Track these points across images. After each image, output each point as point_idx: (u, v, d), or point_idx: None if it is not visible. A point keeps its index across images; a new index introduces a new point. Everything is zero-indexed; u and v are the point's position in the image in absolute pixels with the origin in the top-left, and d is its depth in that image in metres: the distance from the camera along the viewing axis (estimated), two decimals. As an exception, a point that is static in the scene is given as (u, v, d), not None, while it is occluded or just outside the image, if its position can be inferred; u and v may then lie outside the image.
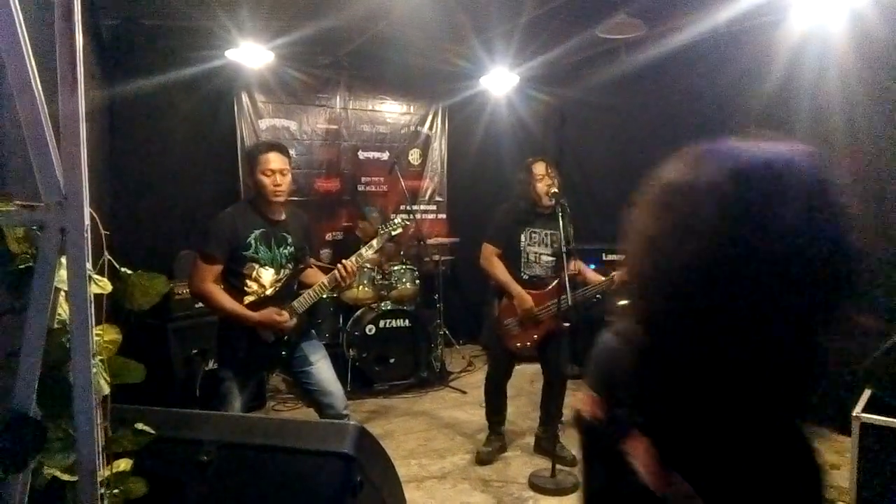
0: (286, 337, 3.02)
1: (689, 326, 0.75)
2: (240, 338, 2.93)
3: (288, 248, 3.04)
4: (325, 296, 5.15)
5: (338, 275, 3.04)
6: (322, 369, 3.08)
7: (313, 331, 3.26)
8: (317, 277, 3.17)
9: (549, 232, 3.74)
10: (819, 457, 0.79)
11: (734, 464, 0.75)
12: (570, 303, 3.49)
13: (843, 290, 0.72)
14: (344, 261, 3.08)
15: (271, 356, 3.03)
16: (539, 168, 3.72)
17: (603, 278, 3.72)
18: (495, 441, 3.95)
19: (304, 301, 3.06)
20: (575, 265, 3.74)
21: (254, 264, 2.94)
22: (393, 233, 3.38)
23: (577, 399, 1.00)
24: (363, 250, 3.19)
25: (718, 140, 0.79)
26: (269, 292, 2.98)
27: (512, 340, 3.73)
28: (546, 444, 3.83)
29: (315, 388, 3.06)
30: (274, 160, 2.95)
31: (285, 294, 3.04)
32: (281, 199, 3.00)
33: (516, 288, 3.67)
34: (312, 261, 3.37)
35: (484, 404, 4.03)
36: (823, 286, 0.71)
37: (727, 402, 0.75)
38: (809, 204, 0.70)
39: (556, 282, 3.59)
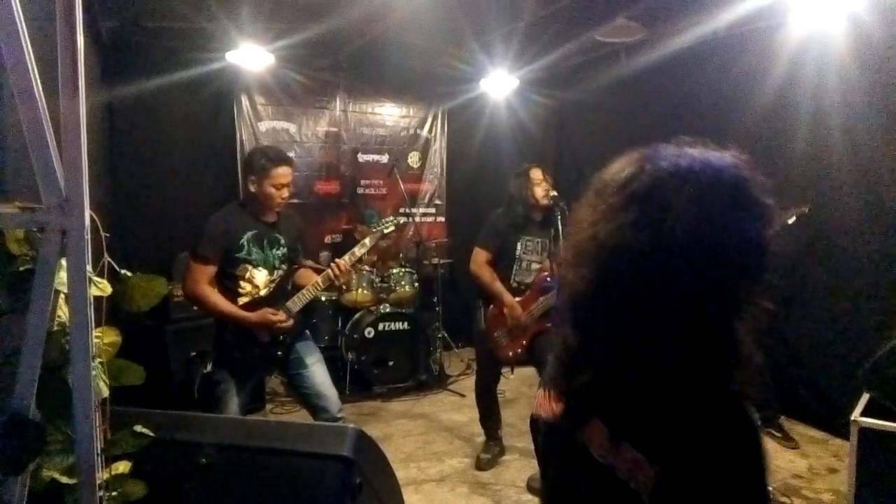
0: (281, 337, 3.02)
1: (616, 304, 0.83)
2: (235, 339, 2.94)
3: (280, 249, 3.06)
4: (322, 298, 5.20)
5: (331, 274, 3.05)
6: (317, 373, 3.09)
7: (308, 331, 3.26)
8: (310, 278, 3.18)
9: (540, 240, 3.75)
10: (752, 417, 0.85)
11: (677, 430, 0.81)
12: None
13: (755, 275, 0.82)
14: (337, 259, 3.09)
15: (267, 356, 3.03)
16: (536, 173, 3.72)
17: None
18: (494, 447, 3.94)
19: (298, 301, 3.06)
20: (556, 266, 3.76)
21: (247, 266, 2.95)
22: (385, 231, 3.40)
23: (537, 401, 1.03)
24: (356, 249, 3.22)
25: (657, 144, 0.90)
26: (262, 293, 2.99)
27: (504, 351, 3.71)
28: None
29: (310, 391, 3.06)
30: (286, 175, 3.00)
31: (279, 294, 3.05)
32: (280, 210, 3.06)
33: (508, 298, 3.63)
34: (311, 263, 3.37)
35: (478, 413, 4.03)
36: (738, 270, 0.80)
37: (662, 376, 0.81)
38: (733, 199, 0.81)
39: (535, 282, 3.66)
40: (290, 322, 3.00)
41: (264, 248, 3.00)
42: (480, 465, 3.83)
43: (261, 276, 2.99)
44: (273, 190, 2.96)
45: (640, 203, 0.82)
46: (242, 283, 2.95)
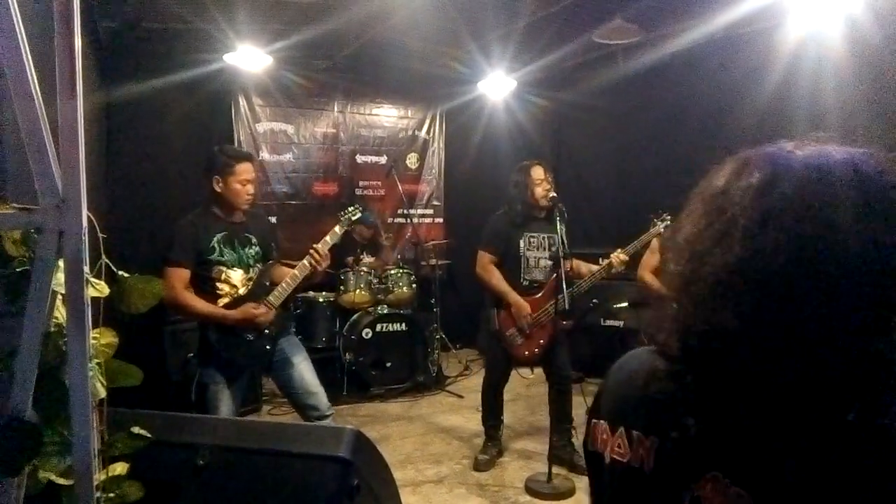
0: (266, 330, 3.03)
1: (747, 333, 0.68)
2: (220, 339, 2.94)
3: (253, 247, 3.07)
4: (320, 299, 5.19)
5: (310, 261, 3.06)
6: (304, 371, 3.10)
7: (292, 327, 3.26)
8: (285, 272, 3.20)
9: (546, 235, 3.72)
10: None
11: (826, 475, 0.67)
12: (566, 305, 3.48)
13: None
14: (315, 245, 3.10)
15: (255, 352, 3.03)
16: (538, 172, 3.71)
17: (596, 267, 3.73)
18: (492, 448, 3.93)
19: (279, 293, 3.07)
20: (570, 264, 3.75)
21: (221, 267, 2.95)
22: (353, 218, 3.43)
23: (595, 434, 0.88)
24: (328, 237, 3.21)
25: (764, 145, 0.76)
26: (241, 292, 3.00)
27: (519, 350, 3.70)
28: (562, 452, 3.71)
29: (298, 390, 3.07)
30: (249, 171, 3.01)
31: (258, 291, 3.06)
32: (248, 206, 3.06)
33: (514, 296, 3.64)
34: (306, 263, 3.36)
35: (480, 409, 4.02)
36: (882, 290, 0.65)
37: (805, 414, 0.68)
38: (868, 207, 0.66)
39: (549, 285, 3.63)
40: (272, 314, 3.02)
41: (236, 248, 3.01)
42: (478, 466, 3.82)
43: (236, 275, 3.00)
44: (238, 186, 2.97)
45: (786, 220, 0.67)
46: (220, 285, 2.96)
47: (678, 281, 0.75)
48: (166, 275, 2.86)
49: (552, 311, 3.57)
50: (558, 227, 3.54)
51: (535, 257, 3.74)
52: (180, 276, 2.87)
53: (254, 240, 3.08)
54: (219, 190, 3.00)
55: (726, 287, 0.69)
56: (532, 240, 3.73)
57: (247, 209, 3.08)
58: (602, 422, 0.87)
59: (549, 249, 3.73)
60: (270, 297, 3.05)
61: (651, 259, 4.27)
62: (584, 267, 3.81)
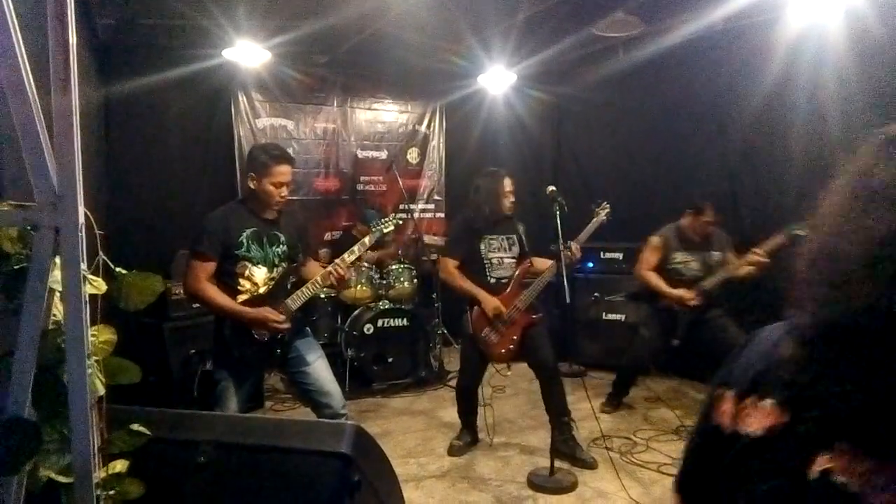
0: (280, 335, 3.02)
1: None
2: (233, 336, 2.94)
3: (280, 246, 3.05)
4: (321, 295, 5.20)
5: (332, 274, 3.07)
6: (319, 369, 3.09)
7: (308, 329, 3.26)
8: (317, 270, 3.20)
9: (505, 236, 3.82)
10: None
11: None
12: (568, 297, 3.48)
13: None
14: (336, 260, 3.11)
15: (266, 354, 3.03)
16: (508, 183, 3.80)
17: (549, 262, 3.78)
18: (467, 435, 4.01)
19: (297, 298, 3.07)
20: (530, 262, 3.86)
21: (246, 263, 2.94)
22: (385, 230, 3.43)
23: (723, 408, 0.85)
24: (356, 248, 3.23)
25: None
26: (262, 290, 2.99)
27: (495, 349, 3.72)
28: (564, 446, 3.71)
29: (313, 388, 3.06)
30: (287, 173, 2.99)
31: (279, 292, 3.05)
32: (279, 207, 3.06)
33: (480, 292, 3.69)
34: (328, 276, 3.34)
35: (457, 409, 4.07)
36: None
37: None
38: None
39: (516, 280, 3.76)
40: (288, 325, 3.00)
41: (264, 246, 2.99)
42: (452, 451, 3.90)
43: (260, 273, 2.98)
44: (272, 188, 2.95)
45: None
46: (242, 281, 2.94)
47: (823, 258, 0.74)
48: (191, 266, 2.89)
49: (522, 306, 3.67)
50: (557, 220, 3.54)
51: (497, 258, 3.80)
52: (205, 269, 2.88)
53: (282, 238, 3.06)
54: (253, 187, 2.99)
55: (879, 260, 0.68)
56: (492, 243, 3.80)
57: (279, 209, 3.08)
58: (729, 392, 0.86)
59: (510, 249, 3.82)
60: (288, 301, 3.04)
61: (651, 257, 4.26)
62: (538, 262, 3.88)
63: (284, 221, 3.12)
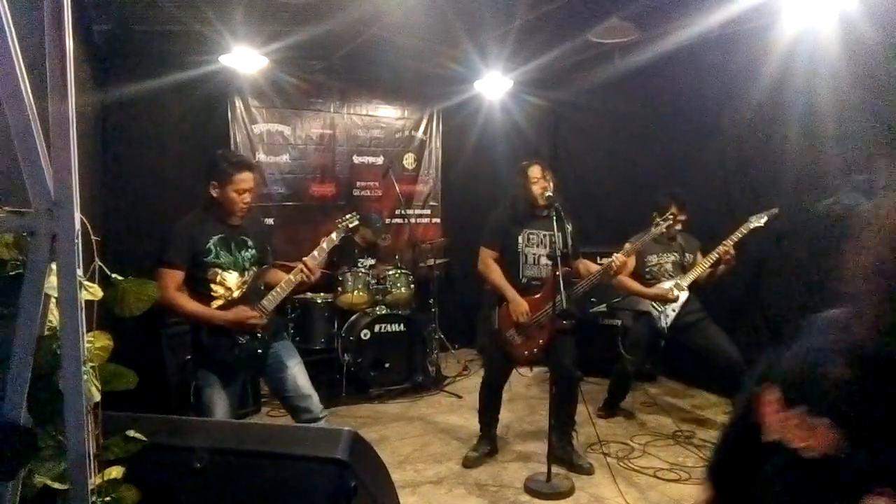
0: (259, 334, 3.04)
1: None
2: (212, 341, 2.95)
3: (249, 250, 3.07)
4: (318, 300, 5.19)
5: (301, 272, 3.11)
6: (297, 374, 3.11)
7: (284, 332, 3.28)
8: (280, 277, 3.21)
9: (546, 233, 3.71)
10: None
11: None
12: (564, 304, 3.45)
13: None
14: (304, 258, 3.14)
15: (247, 355, 3.03)
16: (535, 171, 3.72)
17: (595, 267, 3.74)
18: (485, 445, 3.93)
19: (272, 299, 3.09)
20: (577, 265, 3.76)
21: (216, 269, 2.96)
22: (350, 225, 3.48)
23: (778, 421, 0.81)
24: (323, 243, 3.25)
25: None
26: (235, 294, 3.01)
27: (518, 350, 3.69)
28: (561, 452, 3.70)
29: (291, 393, 3.08)
30: (248, 180, 2.99)
31: (252, 295, 3.07)
32: (243, 214, 3.06)
33: (512, 293, 3.64)
34: (305, 264, 3.35)
35: (478, 408, 4.01)
36: None
37: None
38: None
39: (549, 284, 3.61)
40: (265, 320, 3.03)
41: (232, 251, 3.01)
42: (468, 463, 3.83)
43: (232, 278, 3.00)
44: (235, 195, 2.96)
45: None
46: (214, 287, 2.96)
47: (877, 276, 0.72)
48: (159, 275, 2.87)
49: (551, 311, 3.55)
50: (555, 226, 3.52)
51: (533, 254, 3.73)
52: (173, 278, 2.88)
53: (250, 242, 3.08)
54: (215, 195, 3.00)
55: None
56: (531, 237, 3.73)
57: (243, 215, 3.08)
58: (774, 390, 0.82)
59: (549, 247, 3.70)
60: (264, 302, 3.07)
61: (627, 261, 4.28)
62: (594, 267, 3.79)
63: (249, 225, 3.13)
